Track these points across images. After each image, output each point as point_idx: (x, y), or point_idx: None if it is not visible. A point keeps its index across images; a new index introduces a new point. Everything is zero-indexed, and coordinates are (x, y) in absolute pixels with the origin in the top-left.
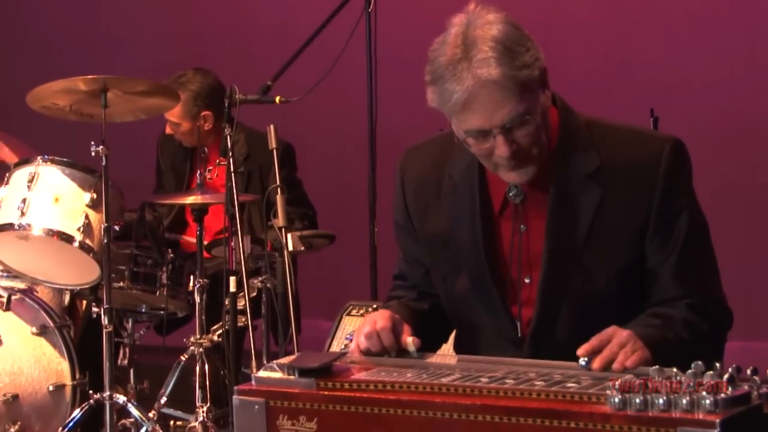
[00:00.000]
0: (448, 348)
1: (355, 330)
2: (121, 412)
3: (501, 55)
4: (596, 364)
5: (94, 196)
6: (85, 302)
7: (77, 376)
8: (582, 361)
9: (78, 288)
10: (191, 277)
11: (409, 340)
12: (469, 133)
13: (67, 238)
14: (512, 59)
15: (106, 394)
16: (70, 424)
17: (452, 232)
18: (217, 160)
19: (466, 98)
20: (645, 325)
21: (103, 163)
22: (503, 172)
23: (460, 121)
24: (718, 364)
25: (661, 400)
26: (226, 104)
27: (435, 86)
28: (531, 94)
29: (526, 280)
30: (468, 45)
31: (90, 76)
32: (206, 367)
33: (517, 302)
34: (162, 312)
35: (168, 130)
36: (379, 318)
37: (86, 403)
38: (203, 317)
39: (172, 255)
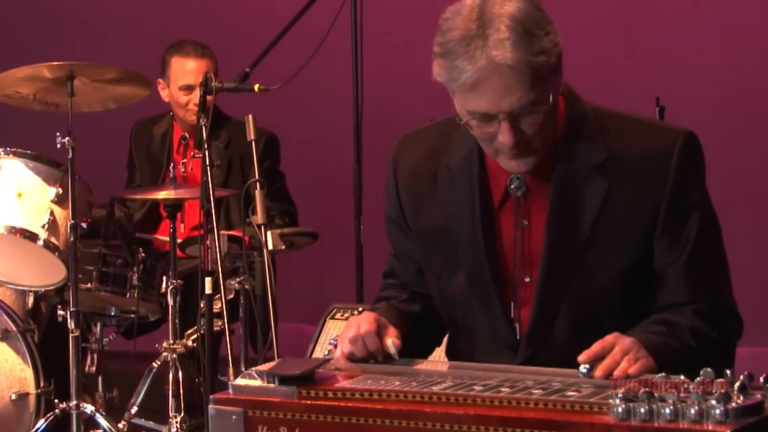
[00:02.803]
0: (439, 353)
1: (339, 335)
2: (89, 422)
3: (519, 38)
4: (599, 372)
5: (60, 191)
6: (46, 305)
7: (42, 384)
8: (583, 368)
9: (42, 289)
10: (164, 278)
11: (389, 342)
12: (473, 114)
13: (31, 236)
14: (530, 43)
15: (73, 403)
16: None
17: (449, 227)
18: (192, 153)
19: (477, 79)
20: (649, 332)
21: (70, 156)
22: (503, 159)
23: (466, 99)
24: (728, 372)
25: (667, 410)
26: (201, 92)
27: (444, 60)
28: (544, 83)
29: (526, 279)
30: (485, 21)
31: (55, 63)
32: (180, 374)
33: (516, 303)
34: (132, 315)
35: (196, 99)
36: (363, 321)
37: (51, 413)
38: (177, 321)
39: (143, 254)
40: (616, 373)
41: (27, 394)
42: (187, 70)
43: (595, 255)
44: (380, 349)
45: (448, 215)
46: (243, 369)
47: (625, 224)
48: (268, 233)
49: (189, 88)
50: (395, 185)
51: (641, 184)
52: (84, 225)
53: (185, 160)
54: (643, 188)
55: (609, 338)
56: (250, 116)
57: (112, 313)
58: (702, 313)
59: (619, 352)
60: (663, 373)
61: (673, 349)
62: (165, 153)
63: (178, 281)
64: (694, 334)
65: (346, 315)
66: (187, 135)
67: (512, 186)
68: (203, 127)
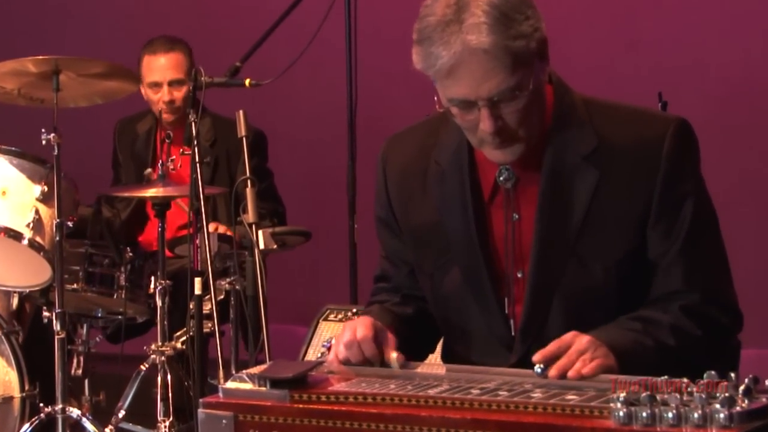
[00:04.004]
0: (435, 357)
1: (334, 337)
2: (75, 427)
3: (495, 22)
4: (553, 372)
5: (45, 189)
6: (31, 306)
7: (26, 387)
8: (537, 368)
9: (27, 290)
10: (152, 279)
11: (393, 356)
12: (453, 101)
13: (16, 236)
14: (507, 27)
15: (59, 407)
16: None
17: (441, 224)
18: (181, 149)
19: (452, 65)
20: (621, 328)
21: (55, 153)
22: (488, 149)
23: (445, 87)
24: (733, 374)
25: (670, 414)
26: (191, 87)
27: (420, 47)
28: (525, 68)
29: (519, 275)
30: (461, 6)
31: (40, 57)
32: (168, 377)
33: (510, 299)
34: (120, 317)
35: (165, 98)
36: (361, 326)
37: (36, 418)
38: (165, 322)
39: (131, 254)
40: (570, 374)
41: (11, 398)
42: (154, 67)
43: (588, 246)
44: (377, 356)
45: (440, 211)
46: (233, 372)
47: (618, 214)
48: (260, 232)
49: (157, 85)
50: (385, 185)
51: (633, 173)
52: (70, 224)
53: (173, 158)
54: (635, 177)
55: (566, 337)
56: (241, 112)
57: (99, 315)
58: (689, 309)
59: (574, 352)
60: (665, 377)
61: (643, 347)
62: (150, 151)
63: (167, 282)
64: (674, 331)
65: (340, 316)
66: (171, 133)
67: (501, 178)
68: (192, 124)
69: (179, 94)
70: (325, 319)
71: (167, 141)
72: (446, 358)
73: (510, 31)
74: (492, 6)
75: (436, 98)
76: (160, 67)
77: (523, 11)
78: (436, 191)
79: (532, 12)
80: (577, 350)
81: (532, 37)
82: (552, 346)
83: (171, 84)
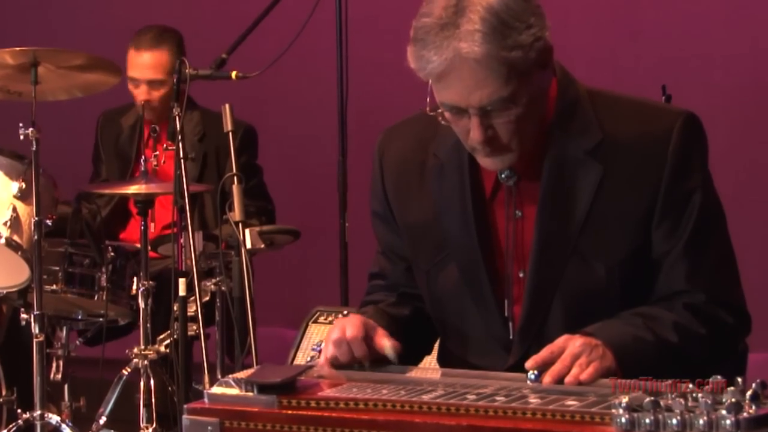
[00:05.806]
0: (431, 360)
1: (324, 339)
2: None
3: (491, 31)
4: (547, 378)
5: (23, 185)
6: (8, 307)
7: (3, 392)
8: (531, 375)
9: (4, 291)
10: (134, 279)
11: (388, 344)
12: (445, 105)
13: None
14: (504, 37)
15: (37, 413)
16: None
17: (438, 219)
18: (165, 145)
19: (443, 70)
20: (621, 323)
21: (33, 148)
22: (479, 156)
23: (437, 90)
24: (740, 379)
25: (674, 420)
26: (175, 80)
27: (414, 47)
28: (521, 78)
29: (521, 275)
30: (460, 9)
31: (18, 48)
32: (152, 382)
33: (510, 300)
34: (101, 319)
35: (142, 96)
36: (350, 325)
37: (14, 424)
38: (148, 325)
39: (112, 254)
40: (567, 380)
41: None
42: (135, 63)
43: (590, 244)
44: (366, 356)
45: (438, 207)
46: (219, 377)
47: (622, 211)
48: (246, 231)
49: (133, 81)
50: (381, 178)
51: (638, 169)
52: (49, 222)
53: (157, 153)
54: (640, 172)
55: (559, 341)
56: (227, 106)
57: (79, 317)
58: (693, 307)
59: (568, 357)
60: (669, 381)
61: (644, 342)
62: (134, 146)
63: (150, 282)
64: (676, 328)
65: (330, 318)
66: (157, 127)
67: (503, 175)
68: (176, 118)
69: (157, 94)
70: (315, 322)
71: (152, 135)
72: (442, 358)
73: (506, 41)
74: (491, 13)
75: (428, 99)
76: (140, 65)
77: (525, 19)
78: (434, 186)
79: (535, 20)
80: (572, 354)
81: (532, 47)
82: (544, 352)
83: (150, 84)
